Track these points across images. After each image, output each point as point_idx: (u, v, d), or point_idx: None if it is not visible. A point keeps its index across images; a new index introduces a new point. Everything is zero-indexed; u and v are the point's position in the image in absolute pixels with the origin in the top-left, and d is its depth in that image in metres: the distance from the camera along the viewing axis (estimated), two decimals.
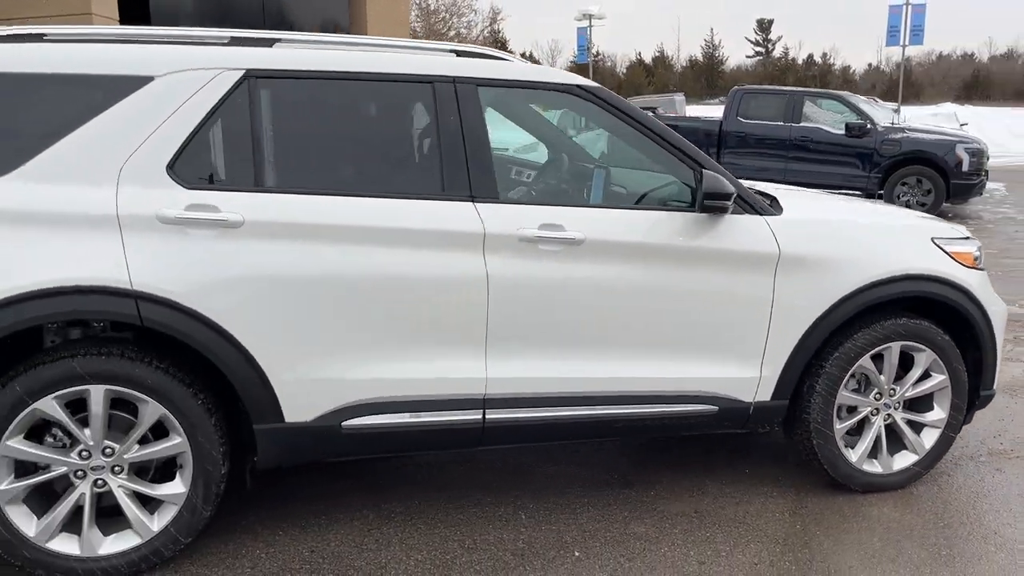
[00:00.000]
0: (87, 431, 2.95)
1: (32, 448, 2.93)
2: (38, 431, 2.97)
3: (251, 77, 3.08)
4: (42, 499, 3.02)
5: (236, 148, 3.08)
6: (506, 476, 3.95)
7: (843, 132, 13.11)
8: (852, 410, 3.81)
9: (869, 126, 12.98)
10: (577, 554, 3.31)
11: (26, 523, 2.96)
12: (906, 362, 3.81)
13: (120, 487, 3.03)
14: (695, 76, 74.47)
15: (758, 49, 79.21)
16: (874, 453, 3.85)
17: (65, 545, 3.01)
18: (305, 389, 3.11)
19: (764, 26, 79.81)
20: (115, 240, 2.89)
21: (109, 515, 3.07)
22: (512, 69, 3.42)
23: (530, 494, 3.78)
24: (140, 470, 3.09)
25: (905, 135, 13.07)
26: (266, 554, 3.27)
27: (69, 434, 2.97)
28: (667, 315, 3.45)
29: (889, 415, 3.85)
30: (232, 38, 3.25)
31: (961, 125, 21.66)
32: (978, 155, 12.80)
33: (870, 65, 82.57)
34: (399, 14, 11.86)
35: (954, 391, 3.87)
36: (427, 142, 3.26)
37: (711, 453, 4.25)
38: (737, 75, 69.83)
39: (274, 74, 3.13)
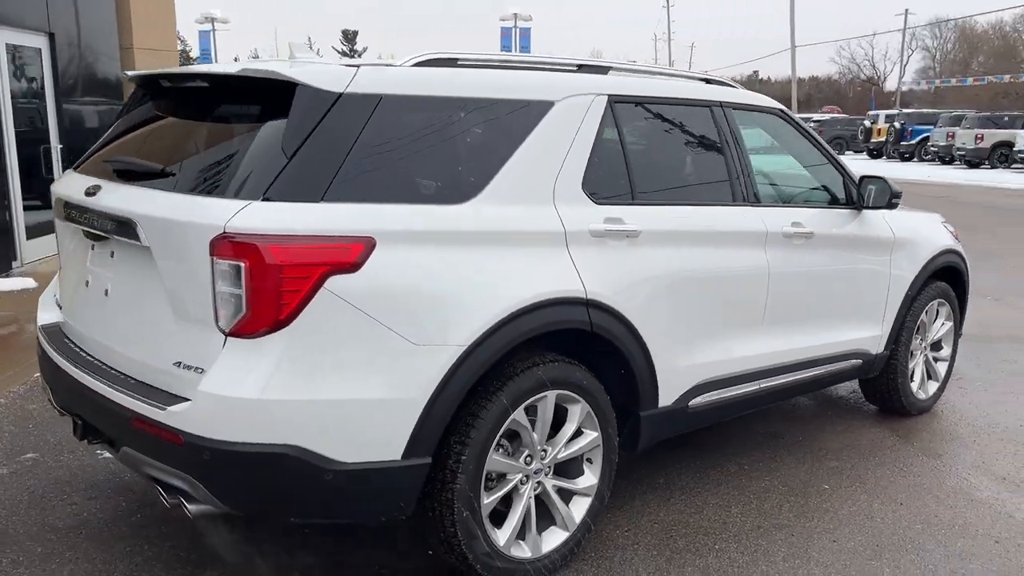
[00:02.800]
0: (535, 436, 3.11)
1: (504, 459, 3.02)
2: None
3: (613, 102, 3.42)
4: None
5: (614, 166, 3.40)
6: (706, 443, 4.55)
7: None
8: (912, 354, 5.06)
9: None
10: (826, 487, 4.11)
11: (493, 534, 3.03)
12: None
13: (553, 487, 3.21)
14: None
15: (348, 59, 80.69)
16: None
17: (519, 551, 3.11)
18: (673, 376, 3.52)
19: (349, 37, 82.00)
20: (565, 254, 3.09)
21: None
22: (745, 95, 4.10)
23: (736, 452, 4.46)
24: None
25: None
26: (628, 530, 3.60)
27: (512, 441, 3.10)
28: (850, 290, 4.41)
29: (926, 354, 5.17)
30: (579, 65, 3.52)
31: None
32: None
33: None
34: (164, 15, 11.07)
35: (956, 331, 5.31)
36: (715, 156, 3.82)
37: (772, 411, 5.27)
38: None
39: (626, 99, 3.50)
